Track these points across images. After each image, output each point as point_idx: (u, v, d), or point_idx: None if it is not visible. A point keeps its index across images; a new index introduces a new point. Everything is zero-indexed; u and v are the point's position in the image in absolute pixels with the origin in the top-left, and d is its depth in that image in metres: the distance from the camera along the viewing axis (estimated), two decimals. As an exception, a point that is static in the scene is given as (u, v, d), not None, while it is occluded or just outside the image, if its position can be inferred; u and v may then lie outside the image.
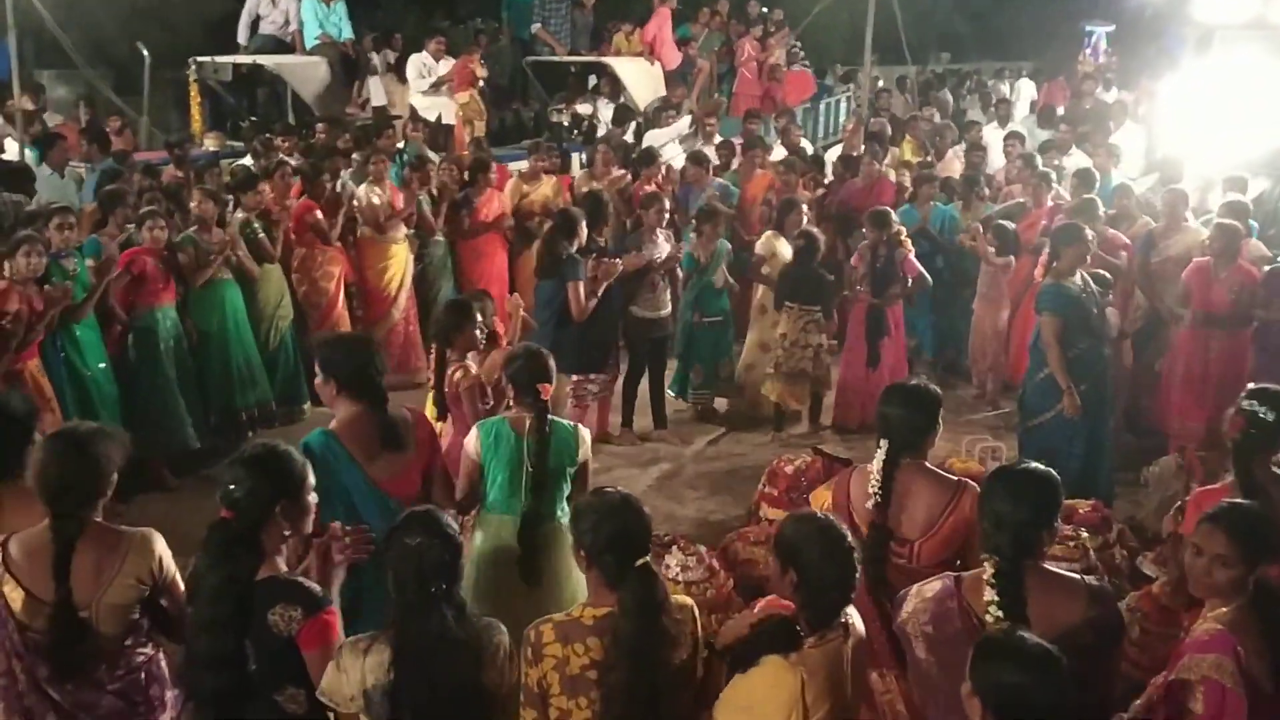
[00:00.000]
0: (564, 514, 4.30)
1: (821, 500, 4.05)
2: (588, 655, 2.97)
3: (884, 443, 3.71)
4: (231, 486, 3.05)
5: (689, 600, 3.22)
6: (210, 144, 11.38)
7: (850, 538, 3.03)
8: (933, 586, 3.15)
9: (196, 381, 7.48)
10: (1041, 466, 3.22)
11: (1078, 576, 3.15)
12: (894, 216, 8.10)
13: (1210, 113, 10.63)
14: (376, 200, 8.86)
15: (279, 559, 3.16)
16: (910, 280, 7.98)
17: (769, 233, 8.37)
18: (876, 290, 7.92)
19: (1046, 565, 3.11)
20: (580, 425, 4.49)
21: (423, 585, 2.91)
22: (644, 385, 8.00)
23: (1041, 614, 2.94)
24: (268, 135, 10.44)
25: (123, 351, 7.09)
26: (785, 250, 8.09)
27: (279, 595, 3.05)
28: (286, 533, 3.16)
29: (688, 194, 9.57)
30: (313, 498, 3.25)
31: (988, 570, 3.01)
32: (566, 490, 4.37)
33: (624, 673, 2.92)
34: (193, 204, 7.68)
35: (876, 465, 3.69)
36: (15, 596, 3.19)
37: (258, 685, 3.04)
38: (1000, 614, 2.92)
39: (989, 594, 2.97)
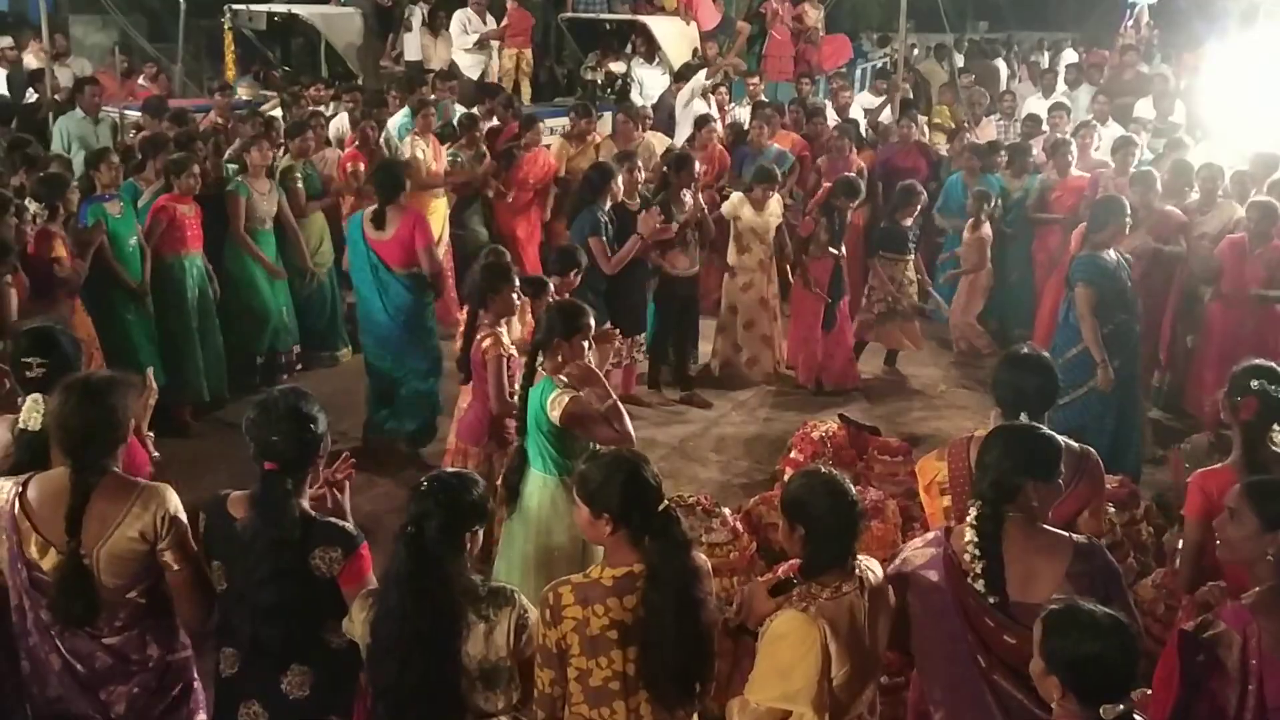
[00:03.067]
0: (545, 469, 4.35)
1: (933, 471, 4.00)
2: (607, 616, 2.99)
3: (1022, 416, 3.68)
4: (274, 439, 3.10)
5: (703, 557, 3.24)
6: (243, 93, 11.38)
7: (854, 493, 3.08)
8: (927, 537, 3.29)
9: (226, 328, 7.51)
10: (1039, 426, 3.35)
11: (1066, 534, 3.17)
12: (861, 187, 8.19)
13: (1254, 88, 10.43)
14: (420, 155, 8.81)
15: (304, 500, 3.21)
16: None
17: (736, 195, 8.26)
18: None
19: (1043, 525, 3.14)
20: (563, 394, 4.18)
21: (410, 550, 2.92)
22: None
23: (1019, 568, 3.02)
24: (297, 86, 10.41)
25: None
26: (747, 213, 8.00)
27: (318, 538, 3.11)
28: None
29: (744, 157, 9.53)
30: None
31: (971, 513, 3.10)
32: (545, 445, 4.32)
33: (669, 615, 2.95)
34: (253, 152, 7.66)
35: None
36: (30, 536, 3.18)
37: (306, 627, 3.14)
38: (977, 553, 3.02)
39: (969, 534, 3.06)
